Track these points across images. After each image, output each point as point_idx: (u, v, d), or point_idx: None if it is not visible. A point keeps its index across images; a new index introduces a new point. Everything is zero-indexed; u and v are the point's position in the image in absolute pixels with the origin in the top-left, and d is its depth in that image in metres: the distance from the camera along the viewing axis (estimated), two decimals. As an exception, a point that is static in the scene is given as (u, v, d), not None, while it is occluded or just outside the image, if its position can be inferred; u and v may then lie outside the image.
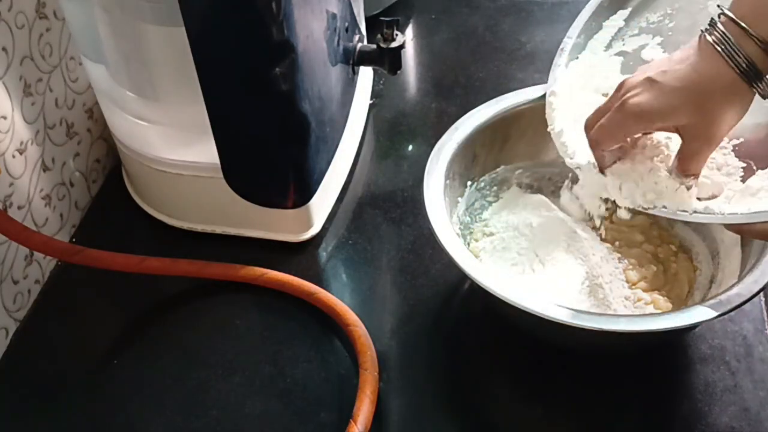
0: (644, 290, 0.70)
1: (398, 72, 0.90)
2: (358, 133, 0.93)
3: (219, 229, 0.83)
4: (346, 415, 0.66)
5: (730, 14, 0.58)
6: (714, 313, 0.59)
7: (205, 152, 0.76)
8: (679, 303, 0.70)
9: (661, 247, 0.74)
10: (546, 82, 0.75)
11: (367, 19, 0.93)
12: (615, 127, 0.62)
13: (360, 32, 0.90)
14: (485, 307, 0.75)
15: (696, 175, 0.63)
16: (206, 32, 0.68)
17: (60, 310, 0.80)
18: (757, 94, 0.59)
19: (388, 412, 0.68)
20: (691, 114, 0.59)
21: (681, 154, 0.62)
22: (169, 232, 0.85)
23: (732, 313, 0.60)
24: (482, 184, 0.77)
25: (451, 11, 1.11)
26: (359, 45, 0.89)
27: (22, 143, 0.77)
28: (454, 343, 0.74)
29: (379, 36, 0.87)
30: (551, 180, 0.79)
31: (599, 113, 0.64)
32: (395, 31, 0.86)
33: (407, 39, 1.08)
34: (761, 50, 0.57)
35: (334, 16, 0.80)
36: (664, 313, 0.67)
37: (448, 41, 1.06)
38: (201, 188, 0.80)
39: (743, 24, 0.57)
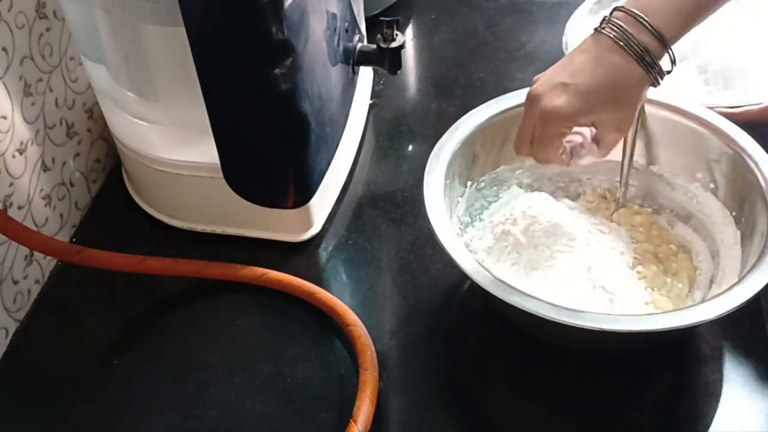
0: (644, 290, 0.70)
1: (398, 72, 0.89)
2: (358, 133, 0.93)
3: (219, 229, 0.83)
4: (346, 415, 0.66)
5: (630, 8, 0.62)
6: (714, 313, 0.60)
7: (205, 152, 0.76)
8: (679, 303, 0.70)
9: (661, 246, 0.74)
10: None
11: (367, 19, 0.93)
12: (548, 138, 0.65)
13: (360, 32, 0.90)
14: (485, 307, 0.75)
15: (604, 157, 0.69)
16: (206, 32, 0.68)
17: (60, 310, 0.80)
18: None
19: (388, 412, 0.68)
20: (607, 110, 0.64)
21: (601, 144, 0.67)
22: (169, 232, 0.85)
23: (732, 313, 0.60)
24: (482, 184, 0.77)
25: (451, 11, 1.11)
26: (359, 45, 0.89)
27: (22, 143, 0.77)
28: (454, 343, 0.74)
29: (379, 36, 0.87)
30: (551, 180, 0.79)
31: (522, 135, 0.67)
32: (395, 31, 0.86)
33: (407, 39, 1.08)
34: (655, 39, 0.62)
35: (334, 16, 0.80)
36: (664, 313, 0.67)
37: (448, 41, 1.06)
38: (201, 188, 0.80)
39: (641, 15, 0.62)
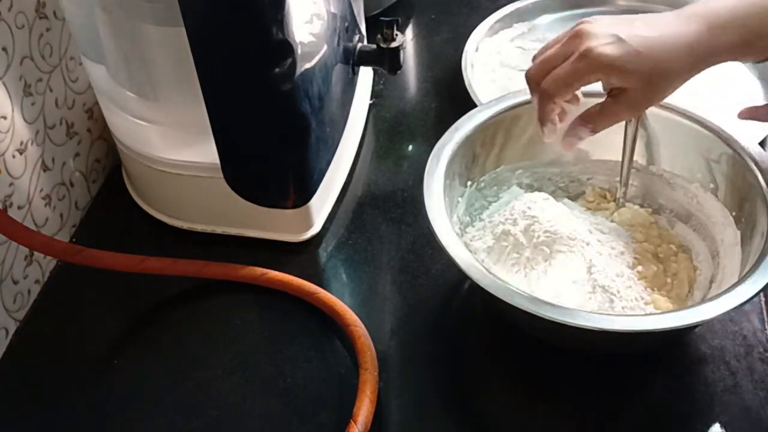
0: (644, 290, 0.70)
1: (398, 72, 0.90)
2: (358, 133, 0.93)
3: (219, 229, 0.83)
4: (346, 415, 0.66)
5: None
6: (714, 313, 0.59)
7: (205, 152, 0.76)
8: (679, 303, 0.70)
9: (661, 247, 0.74)
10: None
11: (367, 19, 0.93)
12: (573, 75, 0.63)
13: (360, 32, 0.90)
14: (485, 307, 0.75)
15: (595, 132, 0.66)
16: (206, 32, 0.68)
17: (60, 310, 0.80)
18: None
19: (388, 412, 0.68)
20: (643, 83, 0.62)
21: (602, 111, 0.65)
22: (169, 232, 0.85)
23: (732, 313, 0.60)
24: (482, 184, 0.77)
25: (451, 11, 1.11)
26: (359, 45, 0.89)
27: (22, 143, 0.77)
28: (454, 343, 0.74)
29: (379, 36, 0.87)
30: (551, 180, 0.79)
31: (547, 63, 0.64)
32: (395, 31, 0.86)
33: (407, 39, 1.08)
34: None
35: (334, 16, 0.80)
36: (664, 313, 0.67)
37: (448, 41, 1.06)
38: (201, 188, 0.80)
39: None
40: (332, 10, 0.79)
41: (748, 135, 0.71)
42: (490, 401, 0.71)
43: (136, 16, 0.70)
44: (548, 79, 0.64)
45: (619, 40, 0.61)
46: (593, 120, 0.66)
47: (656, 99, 0.64)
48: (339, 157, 0.86)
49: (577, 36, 0.63)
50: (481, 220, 0.76)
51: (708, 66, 0.63)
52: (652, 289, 0.71)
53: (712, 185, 0.73)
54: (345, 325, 0.72)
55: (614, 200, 0.77)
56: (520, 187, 0.78)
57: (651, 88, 0.63)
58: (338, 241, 0.83)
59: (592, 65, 0.62)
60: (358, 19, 0.89)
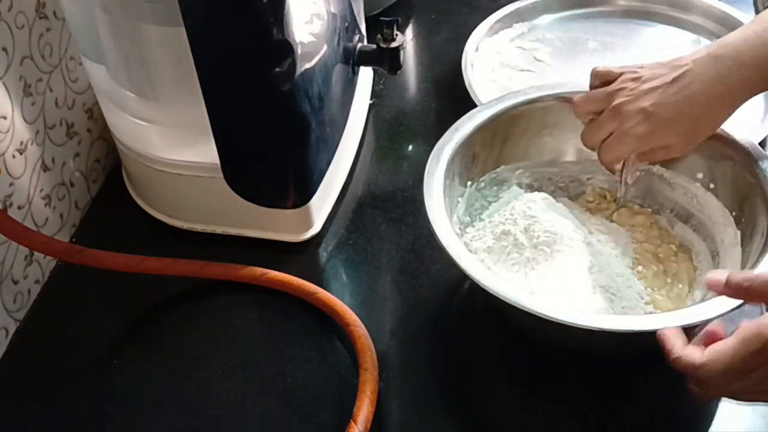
0: (644, 290, 0.70)
1: (398, 72, 0.90)
2: (358, 133, 0.93)
3: (219, 229, 0.83)
4: (346, 415, 0.66)
5: None
6: (714, 313, 0.60)
7: (205, 152, 0.76)
8: (679, 303, 0.70)
9: (661, 247, 0.74)
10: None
11: (367, 19, 0.93)
12: (621, 152, 0.70)
13: (360, 32, 0.90)
14: (485, 307, 0.75)
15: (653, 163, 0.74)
16: (206, 32, 0.68)
17: (60, 310, 0.80)
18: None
19: (388, 412, 0.68)
20: (683, 136, 0.68)
21: (655, 153, 0.70)
22: (169, 232, 0.85)
23: (732, 313, 0.60)
24: (482, 184, 0.77)
25: (451, 11, 1.11)
26: (359, 45, 0.89)
27: (22, 143, 0.77)
28: (454, 343, 0.74)
29: (379, 36, 0.87)
30: (551, 180, 0.79)
31: (595, 130, 0.71)
32: (395, 31, 0.86)
33: (407, 39, 1.08)
34: None
35: (334, 16, 0.80)
36: (664, 313, 0.67)
37: (448, 41, 1.06)
38: (201, 188, 0.80)
39: None
40: (332, 10, 0.79)
41: (748, 135, 0.71)
42: (490, 401, 0.71)
43: (136, 16, 0.70)
44: (605, 154, 0.71)
45: (648, 116, 0.67)
46: (648, 158, 0.71)
47: (702, 138, 0.69)
48: (339, 157, 0.86)
49: (614, 114, 0.68)
50: (481, 220, 0.76)
51: (746, 100, 0.67)
52: (652, 289, 0.71)
53: (712, 185, 0.73)
54: (345, 325, 0.72)
55: (614, 200, 0.77)
56: (520, 187, 0.78)
57: (692, 137, 0.69)
58: (338, 241, 0.83)
59: (631, 146, 0.69)
60: (358, 19, 0.89)
